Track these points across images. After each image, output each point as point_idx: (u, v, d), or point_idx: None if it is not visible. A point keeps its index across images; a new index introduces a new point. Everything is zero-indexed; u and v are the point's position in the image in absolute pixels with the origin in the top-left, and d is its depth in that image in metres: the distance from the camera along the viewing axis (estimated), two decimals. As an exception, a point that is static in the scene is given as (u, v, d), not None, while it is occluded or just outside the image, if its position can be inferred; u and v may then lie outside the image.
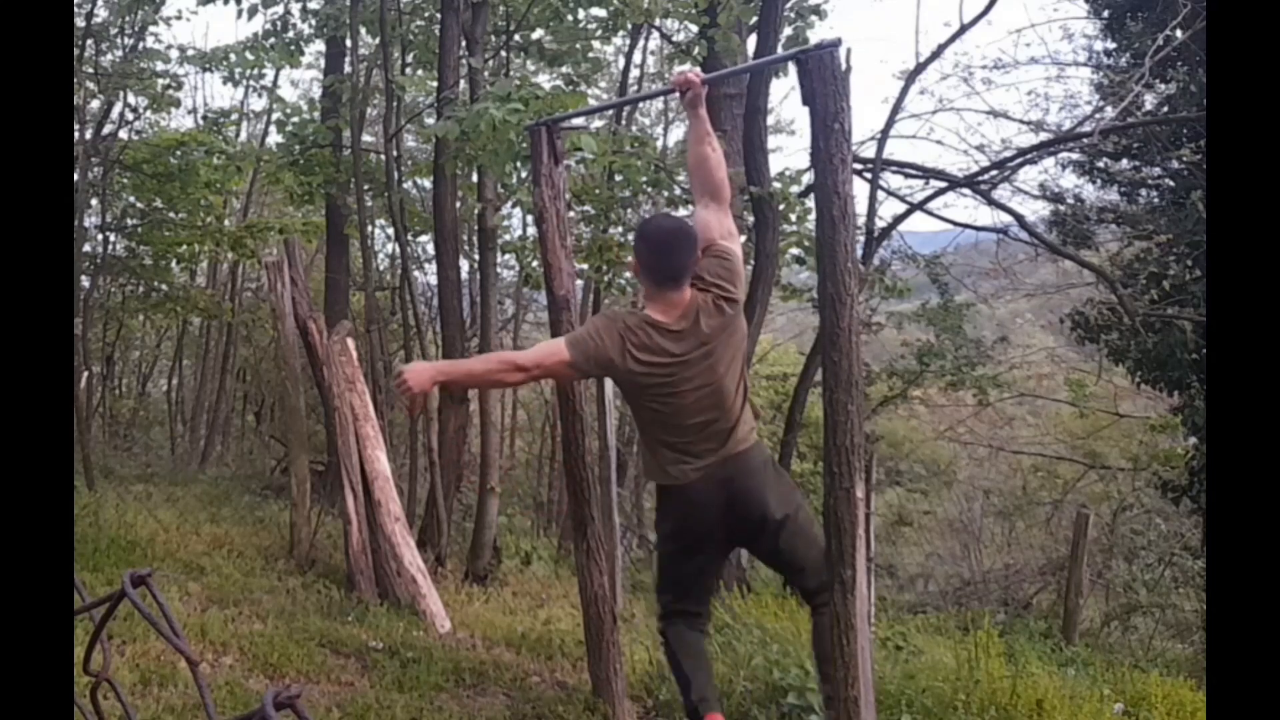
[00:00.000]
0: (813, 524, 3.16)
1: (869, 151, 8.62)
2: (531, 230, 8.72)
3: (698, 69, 3.53)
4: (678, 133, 13.07)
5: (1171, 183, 9.87)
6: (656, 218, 3.35)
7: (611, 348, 2.94)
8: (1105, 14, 10.42)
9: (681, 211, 9.57)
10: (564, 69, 8.17)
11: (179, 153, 10.18)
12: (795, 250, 9.03)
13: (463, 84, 7.36)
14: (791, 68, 2.98)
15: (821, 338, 2.90)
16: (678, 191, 7.99)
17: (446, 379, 3.41)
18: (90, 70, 9.50)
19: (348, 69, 8.99)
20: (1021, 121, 11.15)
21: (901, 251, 11.23)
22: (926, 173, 9.58)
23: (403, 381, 2.93)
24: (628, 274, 9.07)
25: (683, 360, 2.93)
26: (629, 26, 8.30)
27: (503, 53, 8.51)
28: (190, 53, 9.44)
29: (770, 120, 9.00)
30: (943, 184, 9.59)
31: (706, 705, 3.09)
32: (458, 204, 7.97)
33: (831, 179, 2.80)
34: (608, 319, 3.06)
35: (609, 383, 4.94)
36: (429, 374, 3.07)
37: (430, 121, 8.34)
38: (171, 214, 11.41)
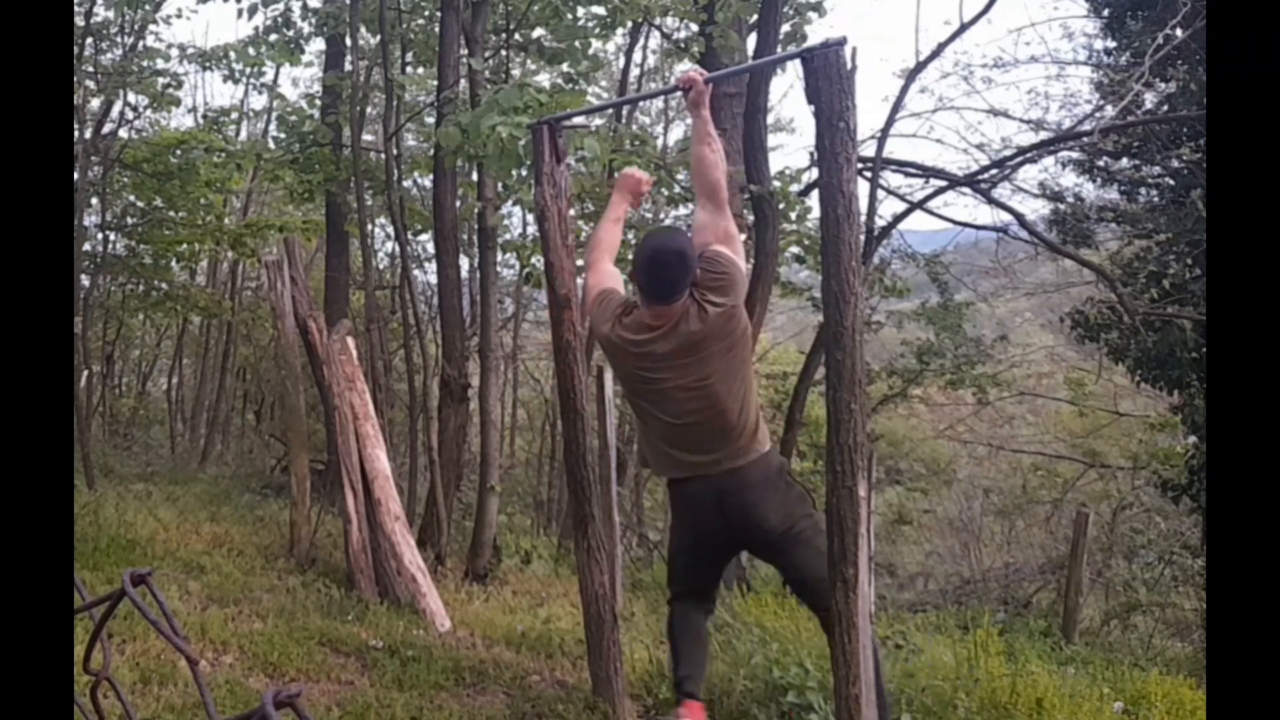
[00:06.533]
0: (821, 536, 3.09)
1: (869, 150, 8.62)
2: (531, 229, 8.71)
3: (701, 69, 3.53)
4: (678, 131, 13.08)
5: (1171, 181, 9.86)
6: (652, 236, 3.35)
7: (609, 312, 3.10)
8: (1105, 13, 10.42)
9: (682, 210, 9.57)
10: (564, 67, 8.17)
11: (179, 151, 10.17)
12: (795, 249, 9.02)
13: (463, 83, 7.36)
14: (792, 65, 2.98)
15: (825, 336, 2.90)
16: (677, 190, 7.98)
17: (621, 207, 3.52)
18: (90, 69, 9.49)
19: (348, 67, 8.99)
20: (1021, 120, 11.18)
21: (901, 250, 11.24)
22: (926, 171, 9.58)
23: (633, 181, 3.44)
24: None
25: (664, 358, 2.97)
26: (628, 24, 8.30)
27: (503, 51, 8.51)
28: (190, 51, 9.43)
29: (770, 118, 8.99)
30: (943, 183, 9.59)
31: (688, 683, 3.20)
32: (458, 202, 7.97)
33: (836, 177, 2.80)
34: (623, 295, 3.23)
35: (609, 382, 4.94)
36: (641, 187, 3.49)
37: (430, 121, 8.33)
38: (171, 213, 11.38)
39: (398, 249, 9.62)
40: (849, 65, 2.82)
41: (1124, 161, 10.52)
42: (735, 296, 2.99)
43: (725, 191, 3.16)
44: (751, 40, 7.55)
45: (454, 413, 7.27)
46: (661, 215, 12.00)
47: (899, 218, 9.63)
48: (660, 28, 9.69)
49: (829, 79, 2.78)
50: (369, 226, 9.89)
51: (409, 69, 9.47)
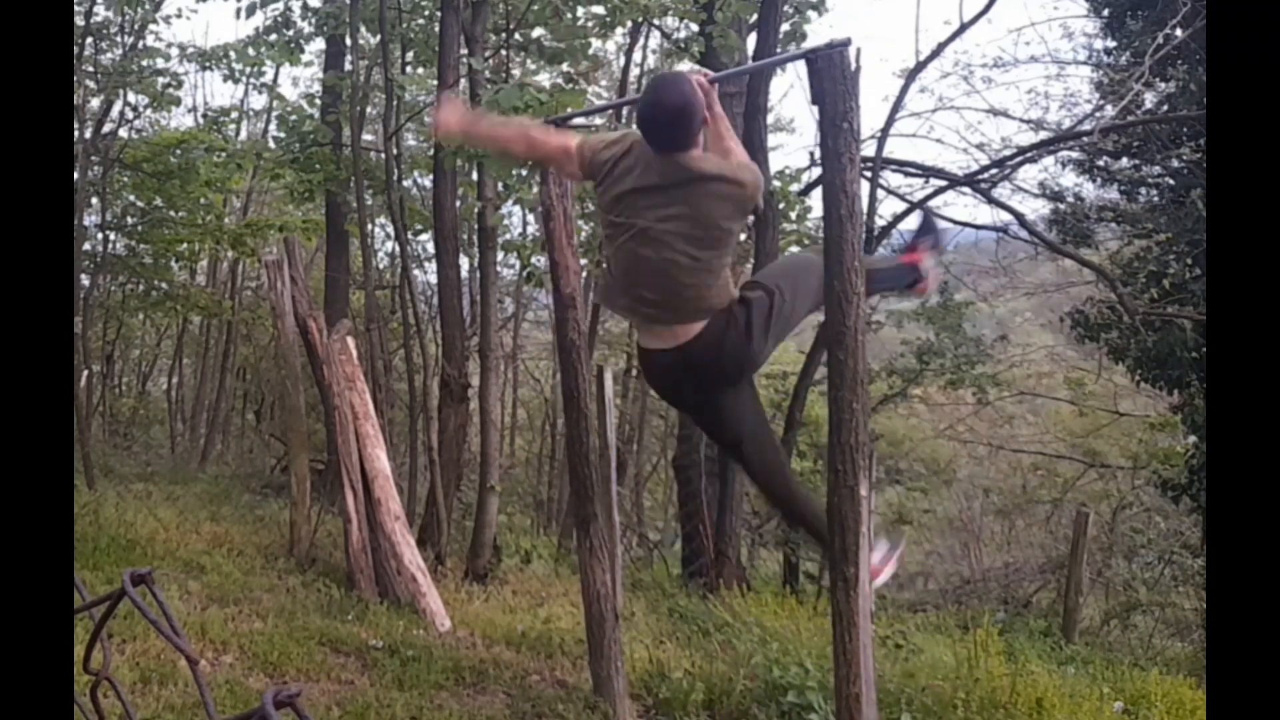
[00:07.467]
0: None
1: (869, 150, 8.63)
2: (531, 228, 8.71)
3: (703, 69, 3.52)
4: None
5: (1171, 181, 9.87)
6: (652, 84, 3.02)
7: (609, 146, 2.92)
8: (1105, 12, 10.42)
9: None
10: (564, 67, 8.18)
11: (179, 151, 10.17)
12: (795, 249, 9.02)
13: (463, 83, 7.36)
14: (792, 64, 2.96)
15: (828, 336, 2.88)
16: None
17: (471, 129, 3.32)
18: (90, 69, 9.50)
19: (348, 67, 8.99)
20: (1021, 120, 11.17)
21: (901, 250, 11.22)
22: (926, 171, 9.59)
23: (435, 124, 3.23)
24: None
25: (656, 190, 2.81)
26: (628, 24, 8.30)
27: (503, 51, 8.50)
28: (190, 51, 9.44)
29: (770, 118, 8.99)
30: (943, 182, 9.59)
31: None
32: (458, 202, 7.97)
33: (839, 177, 2.79)
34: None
35: (609, 382, 4.94)
36: (458, 116, 3.23)
37: (430, 120, 8.32)
38: (171, 212, 11.39)
39: (398, 249, 9.62)
40: (853, 66, 2.81)
41: (1124, 161, 10.52)
42: (750, 195, 2.84)
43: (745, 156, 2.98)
44: (751, 40, 7.55)
45: (454, 412, 7.26)
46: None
47: (899, 218, 9.63)
48: (660, 27, 9.69)
49: (833, 80, 2.77)
50: (369, 226, 9.89)
51: (409, 69, 9.46)
